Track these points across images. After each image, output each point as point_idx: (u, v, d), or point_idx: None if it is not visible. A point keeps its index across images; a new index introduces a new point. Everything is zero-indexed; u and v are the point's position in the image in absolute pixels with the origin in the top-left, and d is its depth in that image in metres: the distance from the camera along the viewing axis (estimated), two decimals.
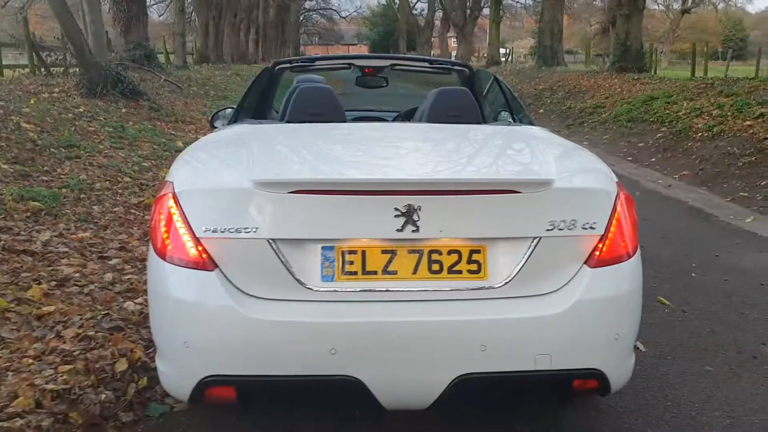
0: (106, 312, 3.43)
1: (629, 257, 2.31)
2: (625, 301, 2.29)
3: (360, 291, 2.13)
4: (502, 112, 3.92)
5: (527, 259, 2.18)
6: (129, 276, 4.10)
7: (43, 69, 13.38)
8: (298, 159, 2.50)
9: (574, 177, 2.40)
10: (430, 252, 2.16)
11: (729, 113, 10.26)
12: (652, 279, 4.60)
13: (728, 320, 3.93)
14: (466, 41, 38.12)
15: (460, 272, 2.17)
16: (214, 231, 2.11)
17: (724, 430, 2.77)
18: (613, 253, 2.27)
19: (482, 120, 3.29)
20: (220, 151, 2.67)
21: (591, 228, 2.24)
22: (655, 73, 19.43)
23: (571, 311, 2.16)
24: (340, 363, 2.08)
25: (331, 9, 64.71)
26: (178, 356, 2.17)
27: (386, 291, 2.14)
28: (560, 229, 2.19)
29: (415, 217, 2.10)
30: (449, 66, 4.44)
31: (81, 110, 9.03)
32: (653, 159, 10.17)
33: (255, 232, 2.10)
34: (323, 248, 2.14)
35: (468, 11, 37.89)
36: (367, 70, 4.36)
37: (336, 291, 2.13)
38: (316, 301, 2.12)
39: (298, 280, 2.12)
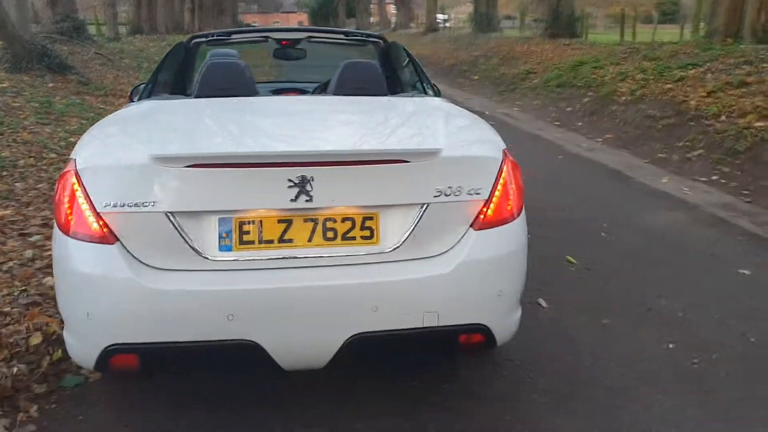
0: (23, 288, 3.45)
1: (513, 219, 2.47)
2: (508, 259, 2.46)
3: (256, 260, 2.24)
4: (418, 83, 4.04)
5: (416, 225, 2.32)
6: (50, 252, 4.07)
7: None
8: (196, 134, 2.57)
9: (461, 146, 2.54)
10: (325, 220, 2.28)
11: (651, 77, 10.58)
12: (562, 240, 4.83)
13: (631, 276, 4.17)
14: (404, 8, 38.06)
15: (353, 239, 2.30)
16: (114, 206, 2.19)
17: (618, 378, 2.98)
18: (498, 216, 2.42)
19: (388, 92, 3.38)
20: (123, 127, 2.73)
21: (476, 194, 2.38)
22: (586, 38, 19.79)
23: (456, 271, 2.32)
24: (238, 328, 2.19)
25: None
26: (82, 327, 2.25)
27: (282, 259, 2.25)
28: (447, 195, 2.33)
29: (308, 188, 2.21)
30: (363, 38, 4.53)
31: (5, 86, 8.82)
32: (580, 123, 10.45)
33: (153, 205, 2.18)
34: (221, 219, 2.23)
35: None
36: (283, 42, 4.42)
37: (233, 260, 2.24)
38: (214, 270, 2.23)
39: (196, 251, 2.21)
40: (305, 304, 2.23)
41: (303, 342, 2.27)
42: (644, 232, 5.06)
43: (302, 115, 2.89)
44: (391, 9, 51.84)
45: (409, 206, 2.33)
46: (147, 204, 2.18)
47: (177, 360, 2.36)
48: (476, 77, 17.47)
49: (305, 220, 2.28)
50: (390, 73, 4.25)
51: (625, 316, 3.59)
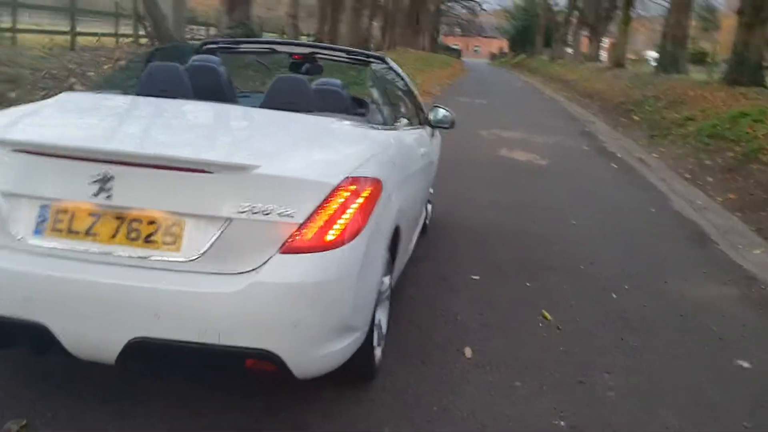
0: None
1: (332, 249, 2.39)
2: (314, 288, 2.38)
3: (61, 248, 2.37)
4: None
5: (218, 238, 2.33)
6: None
7: (147, 39, 14.38)
8: (48, 123, 2.81)
9: (287, 166, 2.47)
10: (132, 220, 2.37)
11: None
12: (561, 293, 4.50)
13: (598, 344, 3.78)
14: (596, 41, 36.88)
15: (155, 242, 2.36)
16: None
17: None
18: (312, 242, 2.36)
19: (315, 109, 3.32)
20: (23, 109, 3.01)
21: (289, 216, 2.34)
22: None
23: (246, 291, 2.29)
24: (31, 309, 2.33)
25: (473, 1, 63.68)
26: None
27: (84, 251, 2.37)
28: (254, 213, 2.32)
29: (108, 186, 2.32)
30: (364, 58, 4.54)
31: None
32: (710, 179, 9.56)
33: None
34: (42, 206, 2.40)
35: (602, 12, 36.50)
36: (295, 57, 4.57)
37: (40, 246, 2.38)
38: (22, 251, 2.39)
39: (10, 231, 2.40)
40: (93, 299, 2.32)
41: (89, 335, 2.36)
42: (664, 301, 4.55)
43: (174, 119, 3.01)
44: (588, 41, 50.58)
45: (213, 218, 2.34)
46: None
47: None
48: (637, 118, 16.55)
49: (114, 217, 2.37)
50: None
51: (544, 383, 3.24)
